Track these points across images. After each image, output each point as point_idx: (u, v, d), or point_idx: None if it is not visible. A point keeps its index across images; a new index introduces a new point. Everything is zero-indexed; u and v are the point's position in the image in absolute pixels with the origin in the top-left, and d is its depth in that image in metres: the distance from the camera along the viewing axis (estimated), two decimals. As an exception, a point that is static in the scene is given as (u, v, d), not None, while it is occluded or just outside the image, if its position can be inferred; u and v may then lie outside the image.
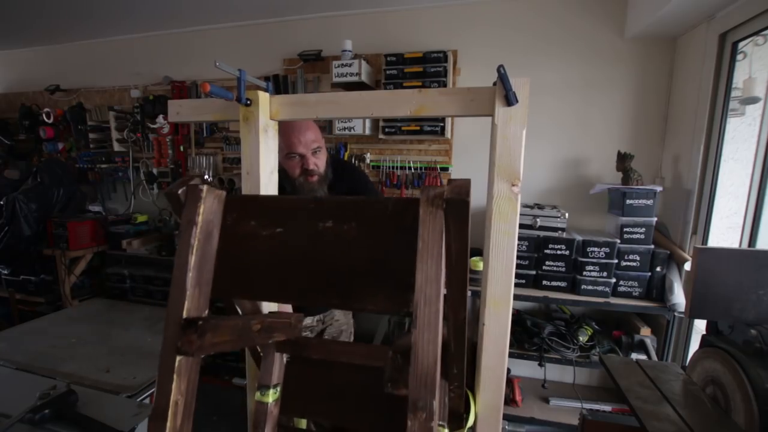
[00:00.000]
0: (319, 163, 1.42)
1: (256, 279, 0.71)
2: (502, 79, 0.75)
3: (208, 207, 0.69)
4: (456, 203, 0.56)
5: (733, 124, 1.87)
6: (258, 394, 0.85)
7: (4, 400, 1.26)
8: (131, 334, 1.91)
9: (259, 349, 0.88)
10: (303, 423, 1.04)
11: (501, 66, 0.75)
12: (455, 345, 0.75)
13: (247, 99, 0.90)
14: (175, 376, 0.62)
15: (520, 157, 0.78)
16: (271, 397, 0.84)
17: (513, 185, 0.78)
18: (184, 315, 0.63)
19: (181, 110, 1.00)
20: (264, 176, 0.95)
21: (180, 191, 0.69)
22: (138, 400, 1.38)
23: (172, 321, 0.63)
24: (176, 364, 0.62)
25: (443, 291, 0.57)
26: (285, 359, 0.86)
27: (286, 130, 1.34)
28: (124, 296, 2.92)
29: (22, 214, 2.79)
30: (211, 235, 0.70)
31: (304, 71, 2.75)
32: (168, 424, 0.59)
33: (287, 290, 0.69)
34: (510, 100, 0.76)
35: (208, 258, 0.69)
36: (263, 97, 0.91)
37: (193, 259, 0.66)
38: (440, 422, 0.79)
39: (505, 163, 0.78)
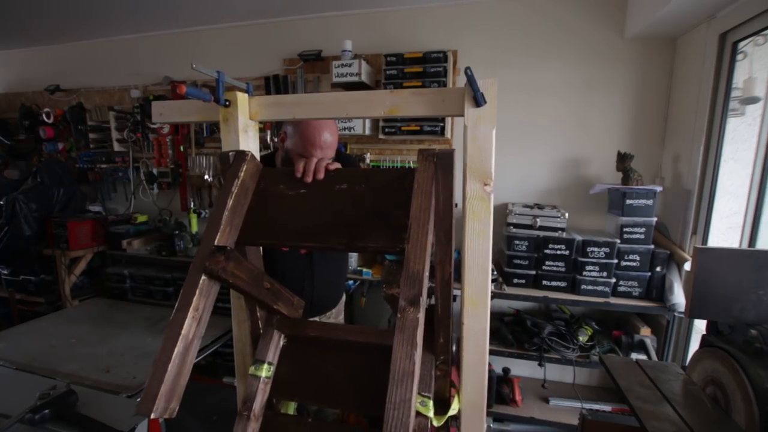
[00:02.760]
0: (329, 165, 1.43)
1: (280, 227, 0.82)
2: (470, 80, 0.76)
3: (249, 169, 0.83)
4: (444, 155, 0.74)
5: (733, 124, 1.87)
6: (252, 368, 0.88)
7: (4, 400, 1.26)
8: (131, 334, 1.91)
9: (260, 325, 0.92)
10: (291, 408, 1.06)
11: (468, 68, 0.77)
12: (442, 306, 0.83)
13: (226, 100, 0.90)
14: (197, 292, 0.69)
15: (491, 157, 0.78)
16: (265, 371, 0.87)
17: (485, 185, 0.79)
18: (216, 243, 0.73)
19: (164, 111, 1.01)
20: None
21: (231, 153, 0.84)
22: (138, 400, 1.38)
23: (204, 246, 0.73)
24: (201, 282, 0.69)
25: (432, 219, 0.70)
26: (282, 342, 0.92)
27: (312, 130, 1.29)
28: (124, 296, 2.92)
29: (22, 214, 2.79)
30: (247, 192, 0.83)
31: (304, 71, 2.75)
32: (183, 331, 0.65)
33: (306, 234, 0.80)
34: (478, 100, 0.76)
35: (241, 208, 0.81)
36: (242, 98, 0.92)
37: (230, 203, 0.78)
38: (426, 394, 0.82)
39: (477, 163, 0.79)
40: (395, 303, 0.61)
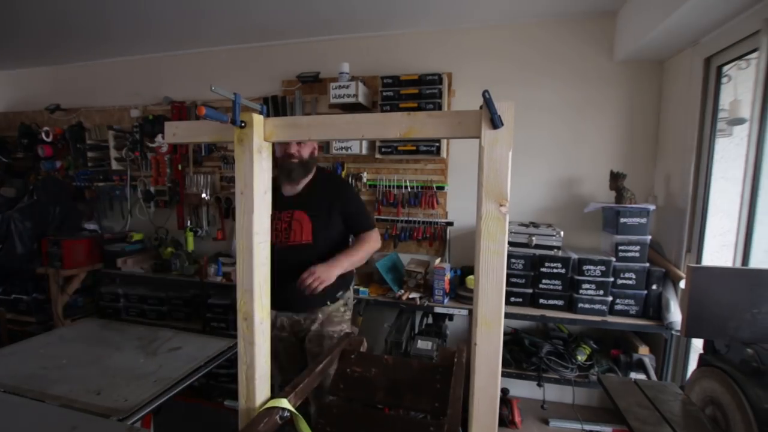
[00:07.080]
0: (302, 151, 1.62)
1: None
2: (488, 103, 0.78)
3: None
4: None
5: (721, 144, 1.91)
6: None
7: (-9, 424, 1.22)
8: (123, 354, 1.87)
9: None
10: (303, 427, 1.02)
11: (486, 91, 0.78)
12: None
13: (242, 121, 0.92)
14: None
15: (506, 178, 0.80)
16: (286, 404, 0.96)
17: (501, 205, 0.80)
18: None
19: (177, 131, 1.02)
20: (258, 196, 0.97)
21: None
22: (129, 423, 1.34)
23: None
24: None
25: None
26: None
27: None
28: (118, 315, 2.88)
29: (17, 232, 2.77)
30: None
31: (303, 92, 2.80)
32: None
33: None
34: (495, 123, 0.78)
35: None
36: (257, 120, 0.94)
37: None
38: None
39: (492, 184, 0.81)
40: None
